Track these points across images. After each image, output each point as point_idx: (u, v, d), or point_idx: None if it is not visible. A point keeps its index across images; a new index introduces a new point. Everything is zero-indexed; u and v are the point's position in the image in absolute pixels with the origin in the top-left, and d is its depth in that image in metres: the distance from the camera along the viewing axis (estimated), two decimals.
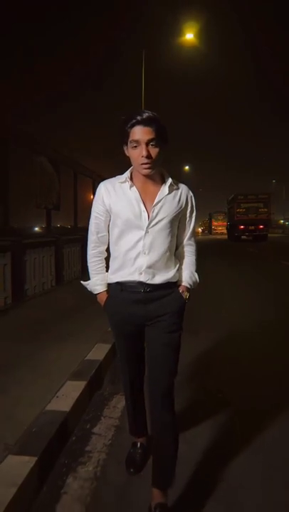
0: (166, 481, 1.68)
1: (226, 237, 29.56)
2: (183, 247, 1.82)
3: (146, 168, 1.55)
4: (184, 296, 1.73)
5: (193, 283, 1.80)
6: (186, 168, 47.30)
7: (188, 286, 1.77)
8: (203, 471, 1.94)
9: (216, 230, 58.08)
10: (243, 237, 27.02)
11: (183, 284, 1.76)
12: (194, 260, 1.83)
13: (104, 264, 1.83)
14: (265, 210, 26.24)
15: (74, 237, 8.01)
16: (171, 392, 1.69)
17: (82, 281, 1.86)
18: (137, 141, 1.52)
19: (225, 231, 30.99)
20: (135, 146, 1.53)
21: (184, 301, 1.72)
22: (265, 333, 4.28)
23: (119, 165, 2.00)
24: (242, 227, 25.91)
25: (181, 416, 1.95)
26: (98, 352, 3.26)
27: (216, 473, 1.91)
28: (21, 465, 1.75)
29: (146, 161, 1.52)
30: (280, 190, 63.03)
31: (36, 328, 4.02)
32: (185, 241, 1.80)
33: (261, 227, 25.71)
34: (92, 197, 11.41)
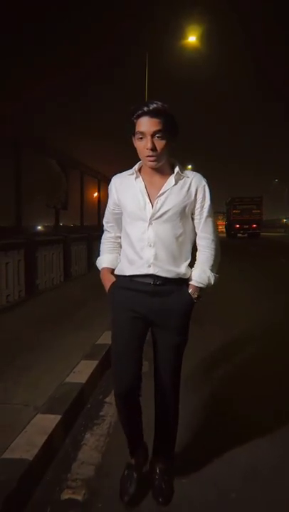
0: (167, 452, 1.82)
1: (224, 235, 32.92)
2: (198, 241, 1.71)
3: (150, 161, 1.52)
4: (193, 296, 1.65)
5: (204, 281, 1.66)
6: (189, 167, 47.73)
7: (197, 285, 1.65)
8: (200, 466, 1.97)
9: None
10: (238, 234, 30.39)
11: (191, 282, 1.66)
12: (210, 256, 1.68)
13: (113, 246, 1.84)
14: (258, 211, 30.05)
15: (81, 235, 8.41)
16: (177, 386, 1.77)
17: (96, 262, 1.87)
18: (143, 133, 1.48)
19: (224, 229, 34.28)
20: (141, 138, 1.50)
21: (191, 301, 1.65)
22: (265, 332, 4.38)
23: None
24: (238, 226, 29.91)
25: (181, 416, 1.92)
26: (107, 338, 3.64)
27: (213, 469, 1.96)
28: (49, 420, 2.14)
29: (150, 153, 1.49)
30: (282, 190, 63.31)
31: (51, 318, 4.42)
32: (199, 234, 1.69)
33: (254, 226, 29.54)
34: (95, 195, 11.77)
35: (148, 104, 1.46)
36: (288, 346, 3.90)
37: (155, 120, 1.46)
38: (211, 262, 1.68)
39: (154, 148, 1.48)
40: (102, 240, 1.88)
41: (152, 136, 1.47)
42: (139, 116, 1.47)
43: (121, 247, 1.78)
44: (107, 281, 1.76)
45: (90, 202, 11.53)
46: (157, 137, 1.48)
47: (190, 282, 1.66)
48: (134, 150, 1.60)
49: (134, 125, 1.50)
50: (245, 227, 29.65)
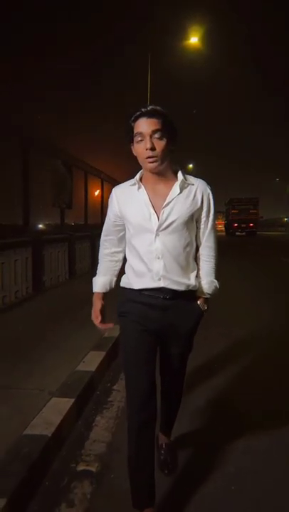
0: (170, 425, 2.02)
1: (223, 233, 35.24)
2: (200, 251, 1.70)
3: (151, 162, 1.47)
4: (202, 308, 1.68)
5: (212, 291, 1.70)
6: (190, 166, 47.69)
7: (207, 297, 1.70)
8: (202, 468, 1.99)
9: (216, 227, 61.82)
10: (237, 233, 32.67)
11: (201, 295, 1.68)
12: (214, 266, 1.70)
13: (108, 266, 1.79)
14: (255, 211, 32.80)
15: (84, 234, 8.61)
16: (182, 383, 1.91)
17: (93, 278, 1.82)
18: (141, 134, 1.45)
19: (223, 228, 36.81)
20: (140, 140, 1.47)
21: (200, 314, 1.68)
22: (265, 331, 4.45)
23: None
24: (236, 225, 32.55)
25: (180, 417, 2.06)
26: (113, 331, 3.82)
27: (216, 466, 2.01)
28: (63, 403, 2.35)
29: (150, 153, 1.45)
30: (283, 189, 63.35)
31: (59, 313, 4.63)
32: (203, 243, 1.68)
33: (251, 225, 32.35)
34: (96, 193, 11.95)
35: (145, 106, 1.48)
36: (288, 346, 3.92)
37: (153, 120, 1.45)
38: (214, 271, 1.70)
39: (153, 148, 1.45)
40: (99, 258, 1.82)
41: (151, 136, 1.45)
42: (136, 119, 1.46)
43: (117, 262, 1.78)
44: (95, 306, 1.80)
45: (92, 200, 11.70)
46: (156, 137, 1.45)
47: (200, 295, 1.68)
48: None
49: (132, 130, 1.49)
50: (243, 226, 32.29)
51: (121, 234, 1.72)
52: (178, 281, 1.57)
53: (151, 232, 1.54)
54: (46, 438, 1.98)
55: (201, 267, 1.69)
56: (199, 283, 1.66)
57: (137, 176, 1.59)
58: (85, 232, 8.77)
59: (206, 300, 1.69)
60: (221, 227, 38.76)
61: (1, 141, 5.94)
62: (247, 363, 3.44)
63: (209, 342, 3.79)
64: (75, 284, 7.04)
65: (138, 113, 1.46)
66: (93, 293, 1.80)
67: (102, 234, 1.78)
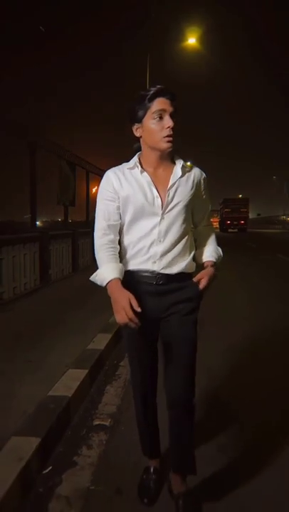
0: (186, 467, 1.66)
1: (218, 230, 38.44)
2: (200, 232, 1.73)
3: (169, 141, 1.46)
4: (214, 273, 1.63)
5: (219, 257, 1.69)
6: (189, 164, 48.02)
7: (215, 260, 1.67)
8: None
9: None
10: (229, 230, 36.77)
11: (209, 258, 1.67)
12: (214, 238, 1.74)
13: (116, 255, 1.58)
14: (245, 210, 37.79)
15: (87, 230, 8.99)
16: (191, 386, 1.64)
17: (90, 278, 1.58)
18: (164, 111, 1.43)
19: (217, 225, 40.51)
20: (160, 118, 1.44)
21: (200, 294, 1.60)
22: (259, 322, 4.84)
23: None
24: (228, 222, 37.18)
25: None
26: None
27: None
28: (79, 373, 2.74)
29: (171, 132, 1.44)
30: (281, 187, 63.81)
31: (67, 303, 5.04)
32: (202, 225, 1.72)
33: (242, 222, 37.10)
34: (94, 190, 12.29)
35: (160, 88, 1.45)
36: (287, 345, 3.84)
37: (172, 102, 1.45)
38: (216, 240, 1.75)
39: (173, 128, 1.45)
40: (100, 247, 1.58)
41: (171, 116, 1.44)
42: (157, 96, 1.43)
43: (117, 252, 1.60)
44: (122, 296, 1.44)
45: (92, 197, 12.03)
46: (173, 119, 1.45)
47: (208, 259, 1.67)
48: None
49: (147, 107, 1.45)
50: (234, 223, 36.97)
51: (120, 219, 1.59)
52: (172, 265, 1.55)
53: (156, 215, 1.51)
54: (67, 398, 2.37)
55: (202, 242, 1.71)
56: (204, 251, 1.69)
57: (136, 159, 1.56)
58: (87, 228, 9.16)
59: (213, 264, 1.66)
60: (215, 224, 42.07)
61: (11, 145, 6.32)
62: (247, 362, 3.35)
63: (206, 336, 3.63)
64: (78, 277, 7.43)
65: (160, 91, 1.44)
66: (108, 283, 1.50)
67: (100, 221, 1.59)
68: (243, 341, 3.90)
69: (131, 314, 1.41)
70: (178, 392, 1.60)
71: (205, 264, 1.67)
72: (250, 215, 41.36)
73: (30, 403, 2.29)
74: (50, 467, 1.95)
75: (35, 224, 6.69)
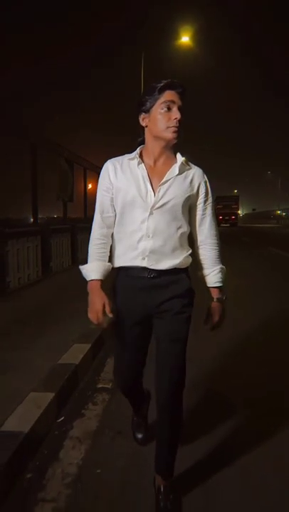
0: (168, 469, 1.65)
1: None
2: (205, 240, 1.64)
3: (175, 132, 1.48)
4: (223, 298, 1.65)
5: (224, 278, 1.67)
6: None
7: (220, 285, 1.65)
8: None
9: None
10: (222, 225, 38.50)
11: (215, 285, 1.65)
12: (218, 253, 1.66)
13: (106, 251, 1.61)
14: (236, 206, 42.15)
15: (85, 225, 9.37)
16: (180, 388, 1.60)
17: (80, 266, 1.63)
18: (173, 102, 1.46)
19: None
20: (168, 109, 1.47)
21: (191, 290, 1.59)
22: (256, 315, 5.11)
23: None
24: (221, 217, 38.60)
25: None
26: None
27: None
28: (84, 347, 3.15)
29: (178, 124, 1.47)
30: (276, 182, 64.41)
31: (69, 291, 5.42)
32: (205, 232, 1.63)
33: (233, 218, 40.57)
34: (90, 186, 12.62)
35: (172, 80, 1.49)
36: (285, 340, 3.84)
37: (182, 96, 1.48)
38: (220, 258, 1.68)
39: (180, 120, 1.47)
40: (93, 241, 1.62)
41: (179, 108, 1.48)
42: (168, 88, 1.46)
43: (108, 247, 1.63)
44: (98, 299, 1.53)
45: (90, 194, 12.36)
46: (181, 113, 1.48)
47: (214, 286, 1.65)
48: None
49: (156, 98, 1.47)
50: (226, 218, 39.56)
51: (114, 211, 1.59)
52: (163, 261, 1.53)
53: (146, 209, 1.50)
54: (74, 365, 2.78)
55: (207, 256, 1.65)
56: (209, 274, 1.65)
57: (138, 151, 1.57)
58: (85, 223, 9.53)
59: (221, 289, 1.65)
60: None
61: (11, 145, 6.67)
62: (245, 360, 3.33)
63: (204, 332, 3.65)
64: (77, 269, 7.77)
65: (172, 84, 1.47)
66: (88, 282, 1.59)
67: (97, 213, 1.63)
68: (241, 337, 3.84)
69: (101, 320, 1.53)
70: (164, 396, 1.58)
71: (212, 295, 1.67)
72: (246, 210, 44.12)
73: (44, 369, 2.70)
74: (63, 417, 2.37)
75: (37, 219, 7.04)
